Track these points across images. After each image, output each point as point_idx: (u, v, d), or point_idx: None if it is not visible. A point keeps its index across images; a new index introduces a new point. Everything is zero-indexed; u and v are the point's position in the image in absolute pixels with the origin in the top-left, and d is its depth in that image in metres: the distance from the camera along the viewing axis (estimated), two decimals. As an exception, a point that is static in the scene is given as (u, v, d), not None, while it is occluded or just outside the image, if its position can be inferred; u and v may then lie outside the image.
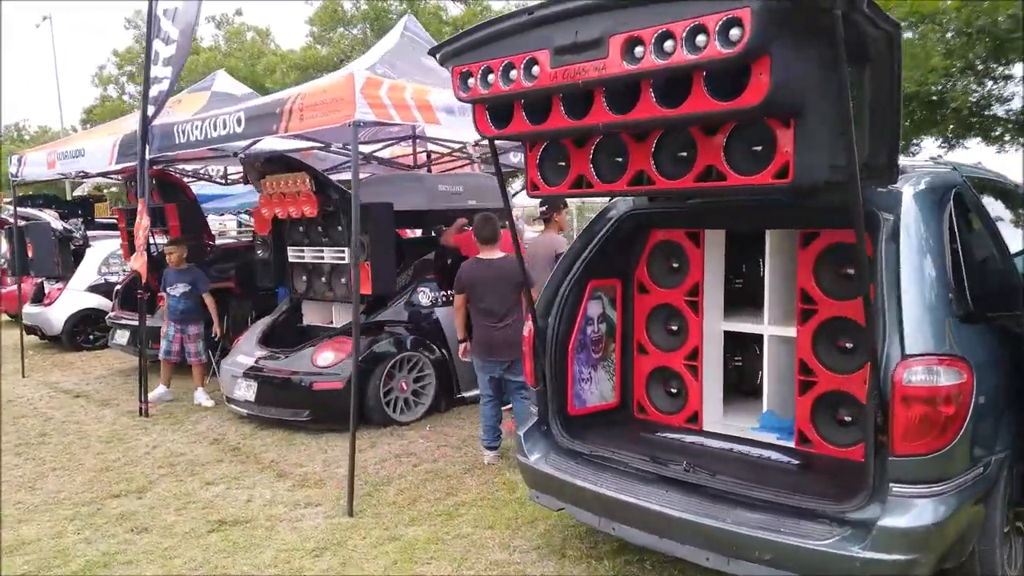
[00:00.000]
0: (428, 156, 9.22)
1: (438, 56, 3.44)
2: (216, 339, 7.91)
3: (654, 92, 2.83)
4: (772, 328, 4.14)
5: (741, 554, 3.19)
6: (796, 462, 3.68)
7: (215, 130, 6.06)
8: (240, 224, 17.54)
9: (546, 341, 4.10)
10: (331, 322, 7.49)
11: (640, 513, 3.47)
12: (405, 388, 6.67)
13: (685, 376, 4.28)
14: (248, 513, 4.82)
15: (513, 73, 3.14)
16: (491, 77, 3.21)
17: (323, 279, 7.19)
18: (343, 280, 6.99)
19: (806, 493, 3.28)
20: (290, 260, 7.47)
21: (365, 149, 8.24)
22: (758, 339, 4.54)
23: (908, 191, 3.34)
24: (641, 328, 4.44)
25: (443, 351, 7.02)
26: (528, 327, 4.15)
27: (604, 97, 2.97)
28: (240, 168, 10.61)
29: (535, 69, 3.07)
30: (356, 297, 4.92)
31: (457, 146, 8.01)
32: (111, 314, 9.71)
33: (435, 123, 5.21)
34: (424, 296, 7.15)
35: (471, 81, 3.30)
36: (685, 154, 3.13)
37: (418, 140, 8.29)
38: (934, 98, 15.36)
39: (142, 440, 6.44)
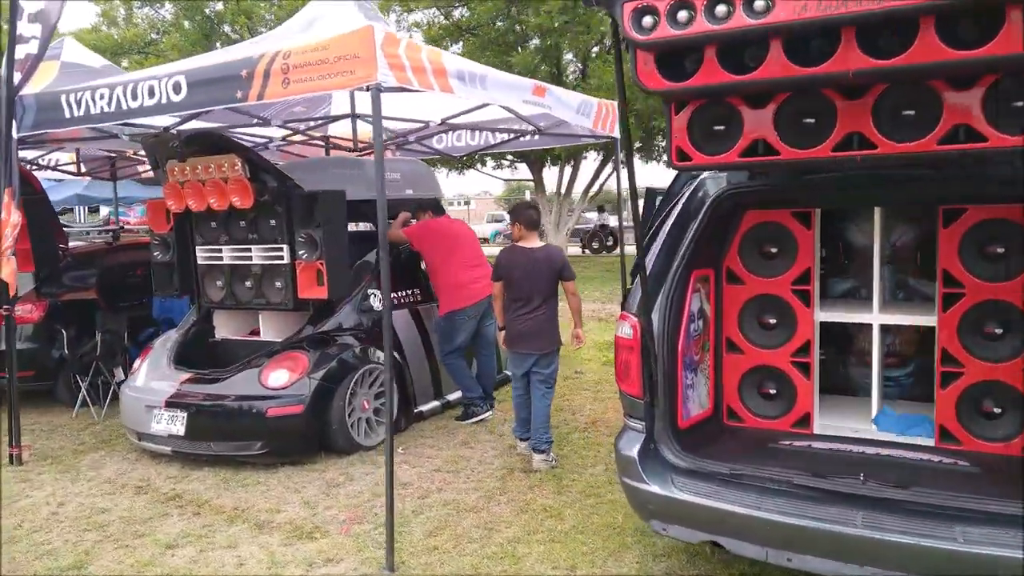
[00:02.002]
0: (327, 140, 8.14)
1: (597, -11, 2.71)
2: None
3: (938, 30, 2.32)
4: (885, 317, 3.79)
5: (976, 576, 2.76)
6: (966, 463, 3.32)
7: (135, 99, 4.79)
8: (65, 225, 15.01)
9: (655, 342, 3.47)
10: (254, 334, 6.32)
11: (833, 539, 2.94)
12: (367, 407, 5.71)
13: (792, 375, 3.82)
14: (252, 583, 3.77)
15: (722, 8, 2.51)
16: (686, 13, 2.56)
17: (247, 284, 6.02)
18: (278, 284, 5.88)
19: (1013, 498, 2.92)
20: (200, 262, 6.20)
21: (277, 129, 7.10)
22: (839, 330, 4.22)
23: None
24: (733, 323, 3.93)
25: (400, 360, 6.13)
26: (632, 325, 3.50)
27: (856, 37, 2.42)
28: (98, 156, 8.99)
29: (759, 3, 2.46)
30: (388, 299, 3.98)
31: (414, 126, 7.05)
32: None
33: (448, 91, 4.37)
34: (375, 299, 6.20)
35: (649, 20, 2.62)
36: (913, 112, 2.65)
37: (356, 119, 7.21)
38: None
39: (36, 496, 5.01)
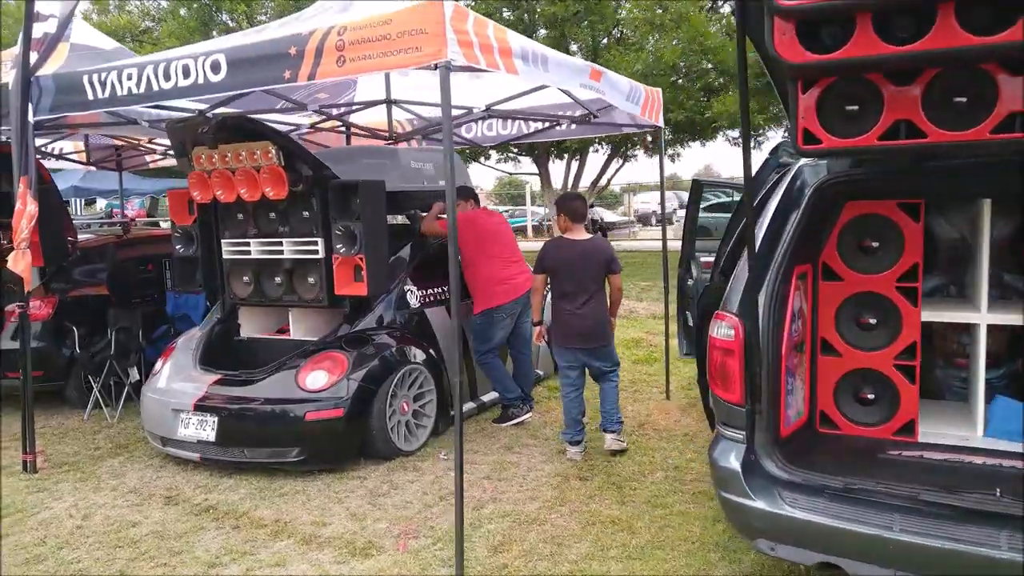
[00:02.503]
0: (350, 127, 7.77)
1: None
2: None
3: None
4: (993, 316, 3.51)
5: None
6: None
7: (167, 80, 4.44)
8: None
9: (759, 345, 3.17)
10: (282, 333, 5.99)
11: (976, 563, 2.66)
12: (406, 409, 5.39)
13: (895, 379, 3.54)
14: (310, 606, 3.46)
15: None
16: (843, -24, 2.26)
17: (277, 279, 5.69)
18: (311, 279, 5.55)
19: None
20: (225, 257, 5.86)
21: (303, 117, 6.74)
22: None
23: None
24: (829, 323, 3.64)
25: (438, 360, 5.80)
26: (733, 325, 3.20)
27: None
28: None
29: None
30: (456, 297, 3.66)
31: (454, 114, 6.65)
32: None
33: (513, 72, 4.05)
34: (412, 295, 5.88)
35: (800, -18, 2.32)
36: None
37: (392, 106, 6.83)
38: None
39: (57, 508, 4.66)
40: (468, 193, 6.29)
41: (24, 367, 5.33)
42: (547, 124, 7.10)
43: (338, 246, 5.26)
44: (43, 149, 8.31)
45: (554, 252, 5.09)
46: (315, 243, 5.43)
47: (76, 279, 7.15)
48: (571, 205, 5.15)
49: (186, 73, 4.36)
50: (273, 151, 5.12)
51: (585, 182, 19.84)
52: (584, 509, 4.37)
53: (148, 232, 8.70)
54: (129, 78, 4.61)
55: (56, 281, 7.02)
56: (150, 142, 8.03)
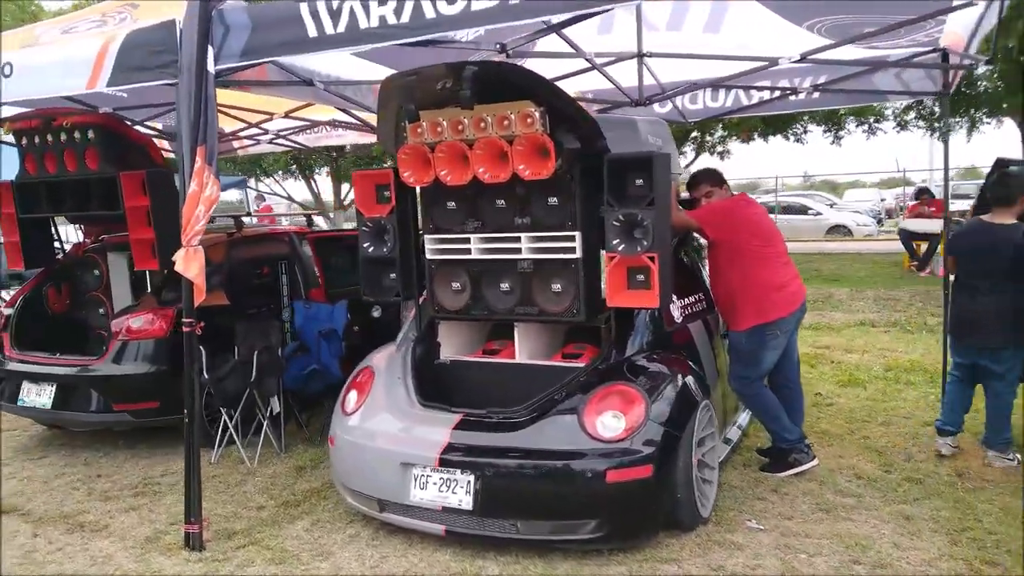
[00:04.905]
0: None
1: None
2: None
3: None
4: None
5: None
6: None
7: (451, 3, 3.10)
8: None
9: None
10: (489, 355, 4.62)
11: None
12: (694, 460, 4.05)
13: None
14: None
15: None
16: None
17: (504, 286, 4.33)
18: (556, 286, 4.19)
19: None
20: (430, 257, 4.49)
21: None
22: None
23: None
24: None
25: (712, 391, 4.48)
26: None
27: None
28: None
29: None
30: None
31: (752, 66, 5.13)
32: (-3, 357, 5.97)
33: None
34: (675, 307, 4.54)
35: None
36: None
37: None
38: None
39: (273, 612, 3.30)
40: (718, 177, 4.98)
41: (190, 406, 3.94)
42: (776, 94, 5.78)
43: (614, 241, 3.90)
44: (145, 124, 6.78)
45: (963, 235, 4.78)
46: (571, 238, 4.08)
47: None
48: (994, 188, 4.73)
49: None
50: (536, 115, 3.77)
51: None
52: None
53: (261, 229, 7.28)
54: (383, 3, 3.25)
55: (169, 289, 5.65)
56: (286, 115, 6.59)
